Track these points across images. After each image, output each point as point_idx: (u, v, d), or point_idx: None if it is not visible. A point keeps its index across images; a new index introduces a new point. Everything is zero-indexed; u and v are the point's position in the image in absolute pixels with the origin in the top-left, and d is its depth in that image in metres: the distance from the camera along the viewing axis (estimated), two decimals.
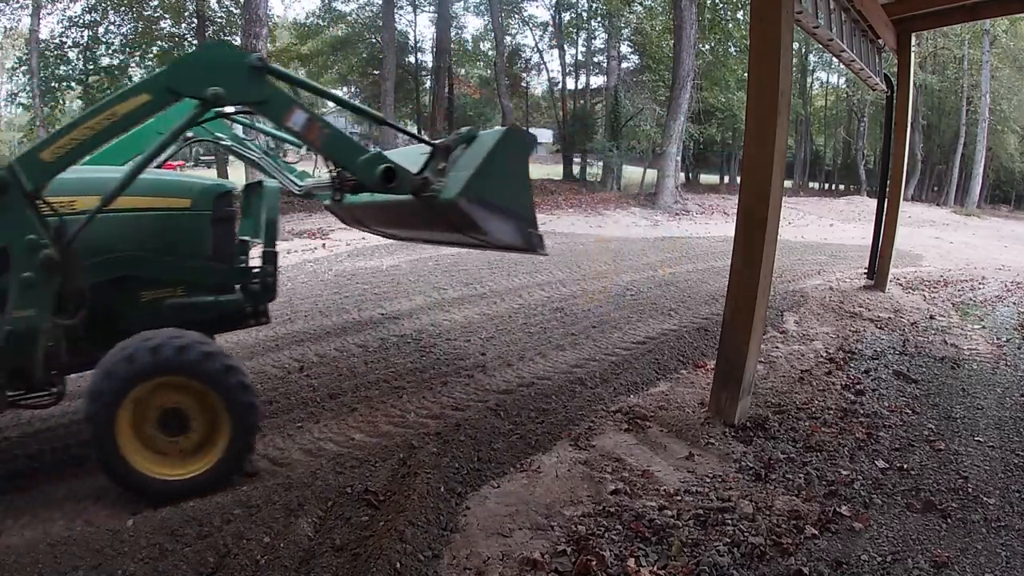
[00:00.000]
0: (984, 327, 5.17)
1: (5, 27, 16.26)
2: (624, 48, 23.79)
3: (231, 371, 2.41)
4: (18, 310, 2.22)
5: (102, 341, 2.44)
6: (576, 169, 24.18)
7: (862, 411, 3.33)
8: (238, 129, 3.73)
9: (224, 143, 3.52)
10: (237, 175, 14.29)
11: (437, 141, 2.78)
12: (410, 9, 22.34)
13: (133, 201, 2.55)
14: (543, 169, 27.34)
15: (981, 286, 7.13)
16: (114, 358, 2.28)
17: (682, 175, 21.37)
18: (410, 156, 2.80)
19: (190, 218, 2.78)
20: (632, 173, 22.66)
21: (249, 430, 2.47)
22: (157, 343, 2.30)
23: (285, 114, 2.47)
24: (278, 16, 27.57)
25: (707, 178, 29.61)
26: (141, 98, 2.27)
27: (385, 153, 2.66)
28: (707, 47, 19.32)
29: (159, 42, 16.47)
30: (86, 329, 2.38)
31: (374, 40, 20.79)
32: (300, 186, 3.26)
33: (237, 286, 2.94)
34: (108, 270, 2.56)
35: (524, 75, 27.14)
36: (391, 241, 8.81)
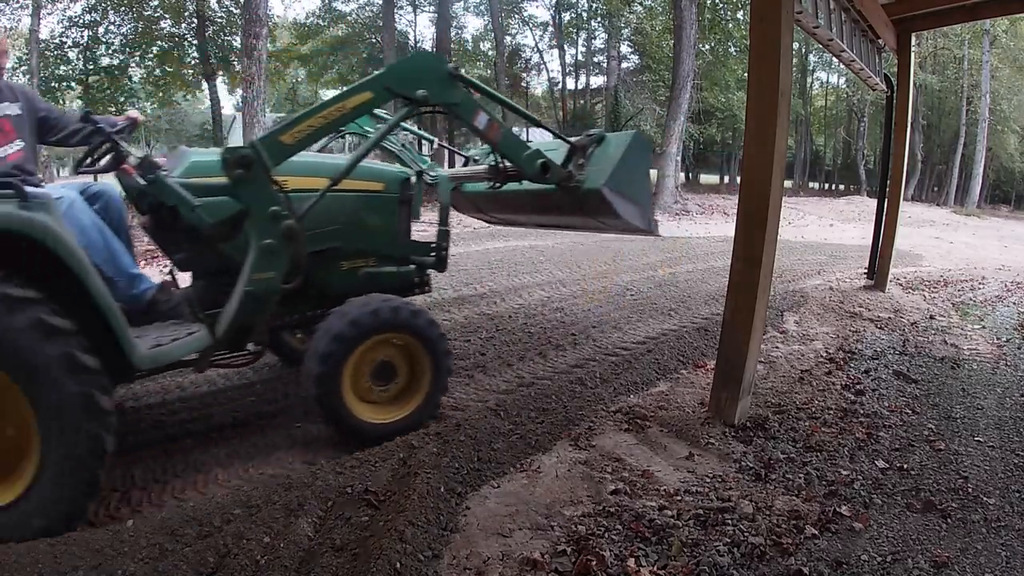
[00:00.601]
0: (984, 327, 5.17)
1: (5, 27, 16.26)
2: (624, 48, 23.84)
3: (432, 325, 2.86)
4: (258, 273, 2.53)
5: (303, 305, 2.90)
6: None
7: (862, 411, 3.33)
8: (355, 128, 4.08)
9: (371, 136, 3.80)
10: None
11: (573, 139, 3.36)
12: (410, 9, 22.35)
13: (341, 183, 2.80)
14: None
15: (981, 286, 7.13)
16: (338, 325, 2.65)
17: (682, 175, 21.38)
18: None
19: (383, 200, 3.19)
20: None
21: (444, 376, 2.93)
22: (375, 307, 2.72)
23: (473, 115, 3.00)
24: (278, 16, 27.58)
25: (707, 178, 29.64)
26: (365, 95, 2.67)
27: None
28: (707, 47, 19.33)
29: (159, 42, 16.47)
30: (294, 294, 2.67)
31: (374, 40, 20.79)
32: (432, 176, 3.60)
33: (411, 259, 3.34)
34: (320, 241, 2.89)
35: (524, 75, 27.15)
36: None
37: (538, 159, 3.10)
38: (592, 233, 5.59)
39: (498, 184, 3.46)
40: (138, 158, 2.60)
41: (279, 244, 2.55)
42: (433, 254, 3.34)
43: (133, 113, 2.92)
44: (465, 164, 4.49)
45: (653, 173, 20.98)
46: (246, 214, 2.54)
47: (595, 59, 25.84)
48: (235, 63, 16.25)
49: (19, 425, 2.04)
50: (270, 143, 2.53)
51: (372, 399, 2.84)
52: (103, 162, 2.72)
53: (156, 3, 15.67)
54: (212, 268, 2.86)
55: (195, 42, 16.42)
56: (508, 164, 3.24)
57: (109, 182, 3.01)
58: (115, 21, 15.79)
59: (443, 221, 3.40)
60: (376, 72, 2.84)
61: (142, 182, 2.59)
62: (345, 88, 2.75)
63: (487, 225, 10.82)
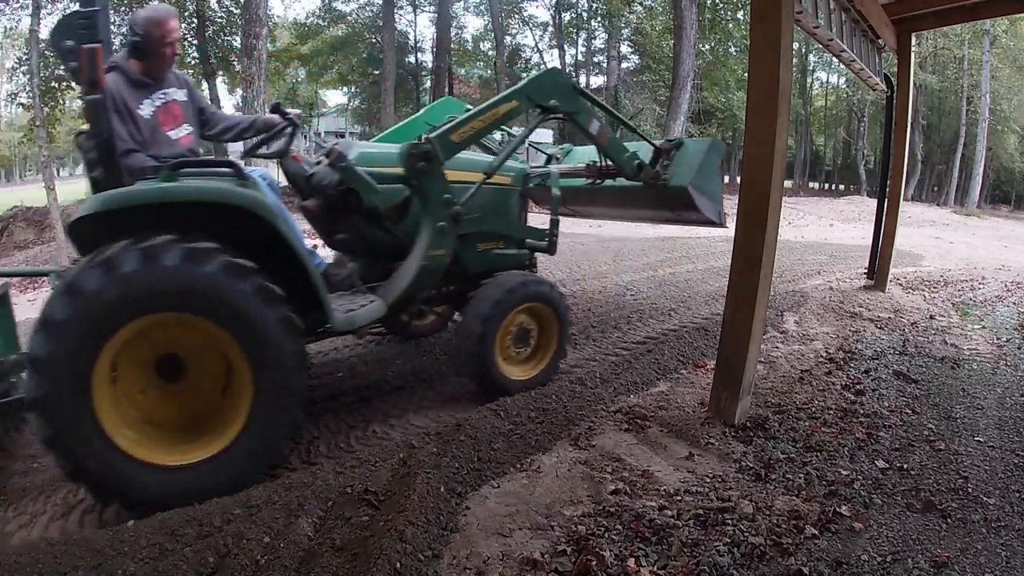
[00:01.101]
0: (984, 327, 5.17)
1: (5, 27, 16.27)
2: (624, 48, 23.83)
3: (561, 296, 3.45)
4: (432, 250, 3.03)
5: (445, 281, 3.35)
6: None
7: (862, 411, 3.33)
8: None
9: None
10: None
11: (658, 143, 3.95)
12: (410, 9, 22.35)
13: (480, 177, 3.28)
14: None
15: (981, 286, 7.13)
16: (496, 293, 3.17)
17: None
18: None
19: (511, 191, 3.67)
20: None
21: (566, 341, 3.58)
22: (524, 280, 3.30)
23: (588, 122, 3.54)
24: (278, 16, 27.59)
25: None
26: (512, 104, 3.25)
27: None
28: (707, 47, 19.33)
29: None
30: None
31: (374, 40, 20.79)
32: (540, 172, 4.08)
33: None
34: (466, 226, 3.26)
35: (524, 75, 27.14)
36: None
37: (635, 160, 3.73)
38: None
39: (599, 180, 4.02)
40: (327, 148, 3.08)
41: (449, 226, 3.08)
42: (546, 239, 3.72)
43: (295, 111, 3.23)
44: (548, 162, 5.07)
45: None
46: (412, 200, 3.08)
47: (595, 59, 25.84)
48: (235, 63, 16.25)
49: (233, 380, 2.39)
50: (443, 140, 3.00)
51: (511, 359, 3.39)
52: (274, 148, 3.07)
53: (156, 3, 15.69)
54: (369, 249, 3.27)
55: (195, 42, 16.41)
56: (609, 164, 3.80)
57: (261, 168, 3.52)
58: (115, 21, 15.78)
59: (555, 211, 3.73)
60: (518, 85, 3.40)
61: (308, 169, 3.12)
62: (496, 98, 3.27)
63: None
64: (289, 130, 3.05)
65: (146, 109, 2.69)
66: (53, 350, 2.06)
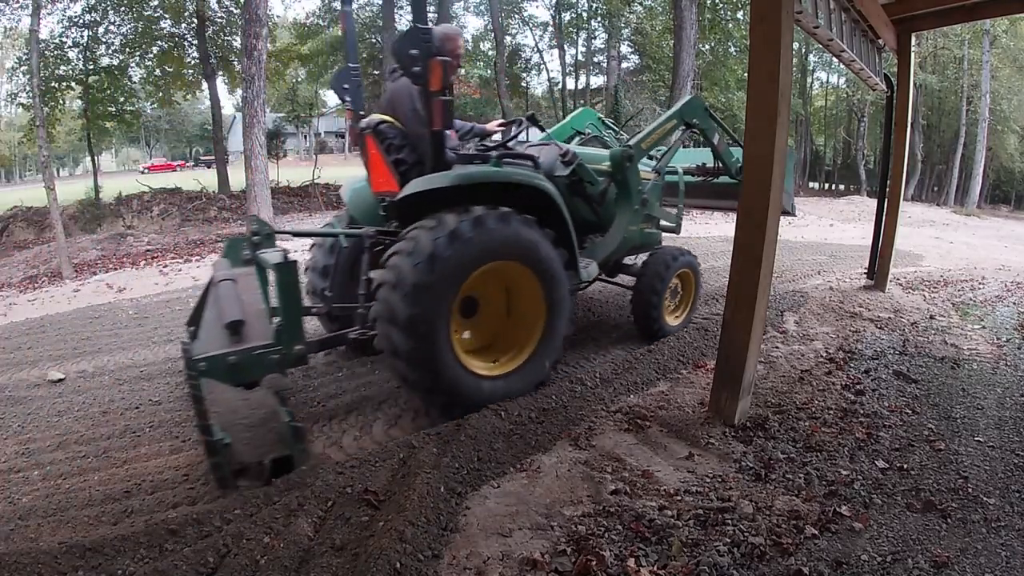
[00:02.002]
0: (984, 327, 5.17)
1: (5, 27, 16.26)
2: (624, 48, 23.81)
3: (699, 264, 4.62)
4: (630, 226, 4.10)
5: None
6: None
7: (862, 411, 3.33)
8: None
9: (603, 137, 5.10)
10: (238, 176, 14.29)
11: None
12: (410, 9, 22.34)
13: (645, 174, 4.25)
14: None
15: (981, 286, 7.12)
16: (667, 260, 4.28)
17: None
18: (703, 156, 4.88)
19: (660, 185, 4.39)
20: None
21: (699, 299, 4.77)
22: (679, 253, 4.39)
23: (713, 134, 4.53)
24: (278, 16, 27.59)
25: None
26: (672, 122, 4.23)
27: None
28: (707, 47, 19.32)
29: (159, 42, 16.45)
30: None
31: (374, 40, 20.77)
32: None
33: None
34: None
35: (524, 75, 27.13)
36: None
37: (739, 163, 4.46)
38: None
39: (712, 178, 4.77)
40: (564, 149, 3.88)
41: (641, 209, 4.14)
42: (675, 223, 4.68)
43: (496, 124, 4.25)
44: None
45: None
46: (610, 189, 4.07)
47: (595, 59, 25.82)
48: (235, 63, 16.24)
49: (534, 314, 3.29)
50: (637, 147, 4.03)
51: (667, 310, 4.47)
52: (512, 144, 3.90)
53: (156, 3, 15.64)
54: (580, 224, 3.83)
55: (195, 42, 16.40)
56: (719, 164, 4.62)
57: None
58: (115, 21, 15.76)
59: (680, 201, 4.65)
60: (675, 109, 4.36)
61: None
62: (661, 119, 4.27)
63: None
64: (521, 129, 4.03)
65: None
66: (422, 308, 2.80)
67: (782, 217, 5.62)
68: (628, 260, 4.65)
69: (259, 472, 2.51)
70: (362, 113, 3.56)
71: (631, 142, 4.05)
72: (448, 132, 3.13)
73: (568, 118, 4.86)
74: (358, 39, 21.64)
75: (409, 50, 2.90)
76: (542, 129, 4.49)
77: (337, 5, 20.71)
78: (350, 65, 3.63)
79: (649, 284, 4.23)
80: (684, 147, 5.51)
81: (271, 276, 2.90)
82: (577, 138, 4.89)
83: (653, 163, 4.60)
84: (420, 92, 3.05)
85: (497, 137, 4.80)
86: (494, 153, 3.36)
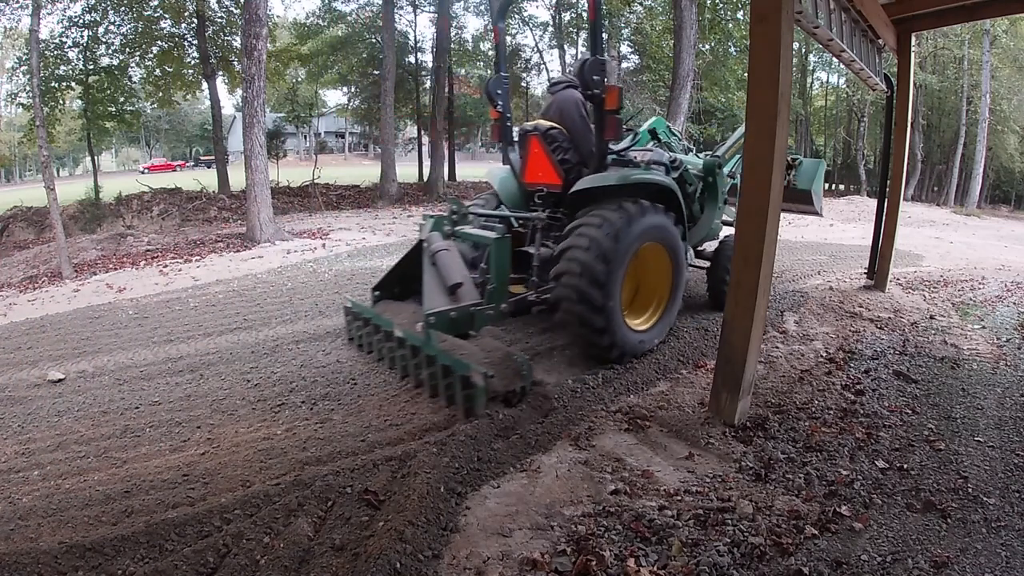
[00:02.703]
0: (984, 327, 5.17)
1: (5, 27, 16.26)
2: (624, 48, 23.79)
3: None
4: (716, 219, 5.00)
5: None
6: None
7: (862, 411, 3.33)
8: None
9: (666, 141, 5.44)
10: (238, 176, 14.29)
11: (793, 157, 5.76)
12: (410, 9, 22.32)
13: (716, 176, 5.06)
14: None
15: (981, 286, 7.12)
16: (732, 247, 4.21)
17: None
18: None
19: (733, 184, 5.18)
20: None
21: None
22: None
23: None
24: (278, 16, 27.59)
25: None
26: (742, 140, 4.23)
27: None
28: (707, 47, 19.30)
29: (159, 42, 16.45)
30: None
31: (374, 40, 20.76)
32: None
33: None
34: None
35: (524, 75, 27.11)
36: (391, 241, 8.82)
37: (791, 171, 5.58)
38: None
39: (785, 183, 5.31)
40: (672, 156, 4.71)
41: (722, 207, 5.03)
42: (733, 218, 5.00)
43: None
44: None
45: None
46: (702, 188, 4.92)
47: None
48: (235, 63, 16.24)
49: (663, 283, 4.17)
50: (722, 157, 5.12)
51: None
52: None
53: (156, 3, 15.64)
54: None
55: (195, 42, 16.39)
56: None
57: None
58: (115, 21, 15.75)
59: (738, 199, 5.76)
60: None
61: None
62: (736, 136, 5.35)
63: None
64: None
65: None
66: (608, 266, 3.58)
67: (796, 216, 6.17)
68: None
69: (509, 398, 3.15)
70: (508, 115, 4.61)
71: (718, 152, 5.22)
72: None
73: (645, 125, 5.41)
74: (358, 39, 21.52)
75: (592, 76, 3.80)
76: (656, 138, 5.24)
77: (338, 5, 20.71)
78: (501, 74, 4.54)
79: (723, 265, 4.92)
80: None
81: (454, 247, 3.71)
82: (652, 143, 5.34)
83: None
84: (595, 109, 3.89)
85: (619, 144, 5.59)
86: (640, 158, 4.44)
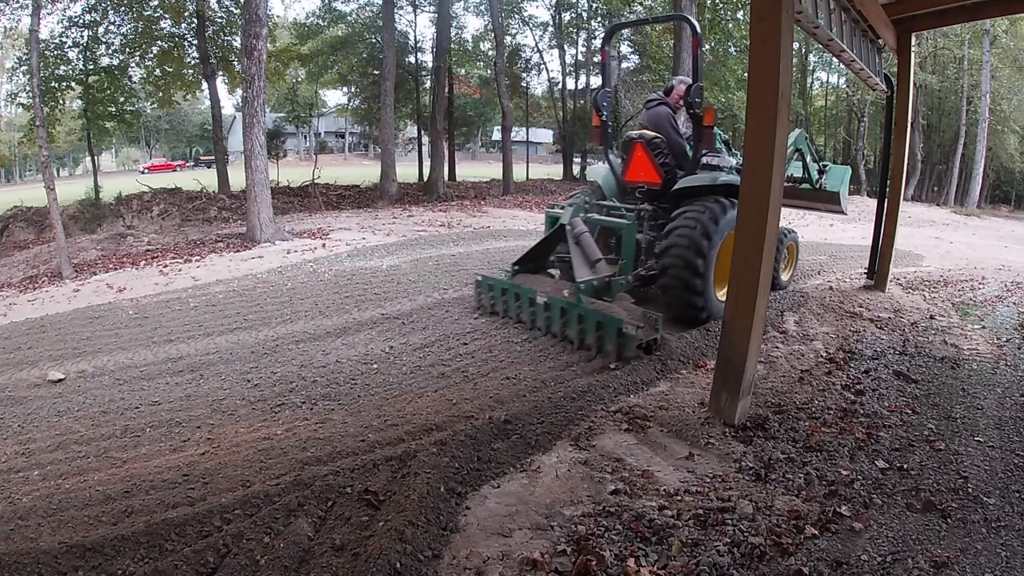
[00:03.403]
0: (984, 327, 5.17)
1: (5, 27, 16.25)
2: (624, 48, 23.78)
3: (799, 239, 6.34)
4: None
5: None
6: (576, 169, 24.18)
7: (862, 411, 3.33)
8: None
9: (799, 148, 6.26)
10: (238, 176, 14.29)
11: (822, 164, 6.62)
12: (410, 9, 22.32)
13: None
14: (543, 169, 27.34)
15: (981, 286, 7.12)
16: (780, 235, 4.88)
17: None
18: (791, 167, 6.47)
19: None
20: None
21: (797, 262, 6.55)
22: (788, 231, 5.88)
23: (806, 156, 6.27)
24: (278, 16, 27.58)
25: None
26: (792, 146, 5.78)
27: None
28: (707, 47, 19.30)
29: (159, 42, 16.44)
30: None
31: (374, 40, 20.76)
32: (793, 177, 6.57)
33: None
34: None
35: (524, 75, 27.11)
36: (391, 241, 8.82)
37: (822, 175, 6.45)
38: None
39: (798, 184, 6.53)
40: (736, 164, 5.25)
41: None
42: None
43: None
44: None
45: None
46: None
47: (595, 59, 25.79)
48: (235, 63, 16.24)
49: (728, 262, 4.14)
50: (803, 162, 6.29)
51: (783, 268, 6.07)
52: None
53: (156, 3, 15.63)
54: None
55: (195, 42, 16.38)
56: (806, 175, 6.41)
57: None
58: (115, 21, 15.74)
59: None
60: (796, 139, 6.02)
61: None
62: (800, 150, 6.15)
63: (487, 225, 10.82)
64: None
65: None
66: (708, 242, 4.48)
67: (798, 216, 8.12)
68: None
69: (649, 346, 4.02)
70: (609, 124, 5.51)
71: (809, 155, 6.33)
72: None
73: (791, 138, 6.14)
74: (358, 39, 21.47)
75: (695, 99, 4.79)
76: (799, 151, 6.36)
77: (338, 5, 20.71)
78: (606, 89, 5.48)
79: (778, 248, 5.72)
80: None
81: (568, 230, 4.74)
82: (796, 155, 6.32)
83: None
84: (695, 124, 4.93)
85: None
86: (724, 163, 5.16)
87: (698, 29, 5.00)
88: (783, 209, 6.35)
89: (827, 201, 6.70)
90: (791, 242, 6.15)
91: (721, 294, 4.77)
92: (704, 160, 5.15)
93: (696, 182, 4.90)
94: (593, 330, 4.04)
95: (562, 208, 5.06)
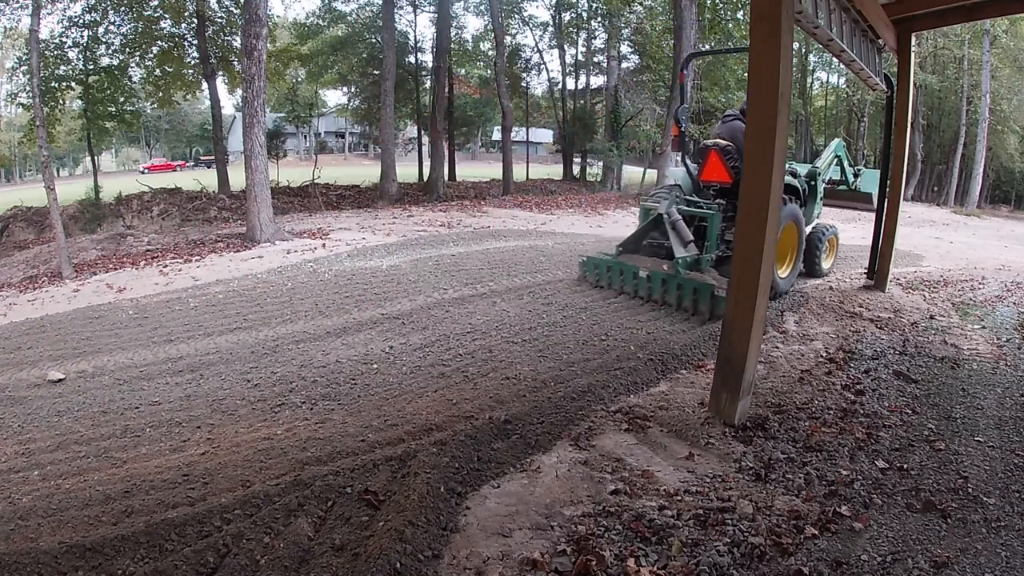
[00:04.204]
0: (984, 327, 5.17)
1: (5, 27, 16.24)
2: (624, 48, 23.76)
3: (839, 232, 7.55)
4: (817, 209, 6.98)
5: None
6: (576, 169, 24.17)
7: (862, 411, 3.33)
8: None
9: (838, 154, 7.32)
10: (238, 176, 14.29)
11: (856, 168, 7.62)
12: (410, 9, 22.31)
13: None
14: (543, 169, 27.32)
15: (981, 286, 7.12)
16: (824, 228, 6.97)
17: None
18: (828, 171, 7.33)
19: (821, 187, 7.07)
20: (632, 173, 22.66)
21: (837, 253, 7.90)
22: (829, 225, 7.18)
23: (844, 162, 7.41)
24: (278, 16, 27.56)
25: None
26: (835, 155, 7.20)
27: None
28: (707, 47, 19.30)
29: (159, 42, 16.43)
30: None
31: (374, 40, 20.75)
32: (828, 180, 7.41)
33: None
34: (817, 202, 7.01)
35: (524, 75, 27.08)
36: (391, 241, 8.81)
37: (857, 178, 7.42)
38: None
39: (838, 187, 7.49)
40: (807, 168, 6.81)
41: (821, 201, 7.06)
42: (820, 210, 7.19)
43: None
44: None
45: (639, 172, 21.25)
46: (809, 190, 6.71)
47: (595, 59, 25.77)
48: (235, 63, 16.23)
49: (793, 246, 6.11)
50: (820, 168, 6.88)
51: (823, 258, 7.06)
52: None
53: (156, 3, 15.62)
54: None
55: (195, 42, 16.37)
56: (844, 178, 7.40)
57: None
58: (115, 21, 15.73)
59: (825, 199, 7.38)
60: (834, 150, 7.26)
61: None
62: (828, 158, 7.09)
63: (487, 226, 10.82)
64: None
65: None
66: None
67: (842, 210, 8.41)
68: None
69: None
70: (686, 131, 6.47)
71: (817, 164, 6.97)
72: None
73: (831, 147, 7.37)
74: (358, 39, 21.45)
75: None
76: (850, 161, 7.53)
77: (338, 5, 20.70)
78: (684, 105, 6.65)
79: (818, 240, 6.78)
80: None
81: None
82: (834, 161, 7.26)
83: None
84: None
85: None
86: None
87: None
88: (824, 208, 7.39)
89: (862, 201, 7.59)
90: (832, 235, 7.11)
91: (781, 271, 5.99)
92: None
93: None
94: (690, 295, 5.19)
95: (656, 202, 6.17)
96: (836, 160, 7.18)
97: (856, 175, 7.48)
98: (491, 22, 19.29)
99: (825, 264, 7.10)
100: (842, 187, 7.46)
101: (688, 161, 6.54)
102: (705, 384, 3.60)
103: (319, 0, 20.98)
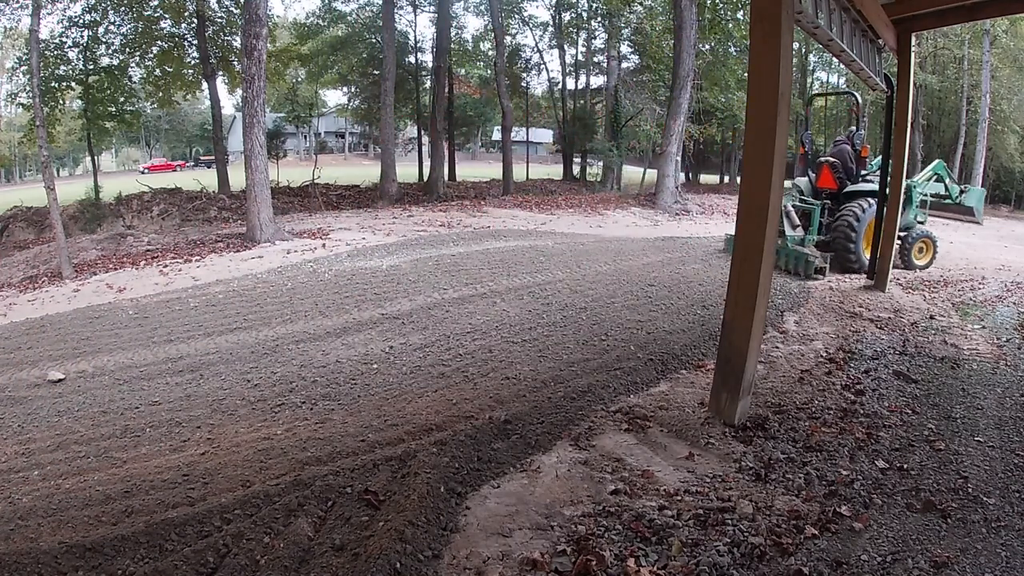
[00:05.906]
0: (984, 327, 5.17)
1: (5, 27, 16.24)
2: (624, 48, 23.75)
3: (935, 235, 8.49)
4: (915, 216, 8.14)
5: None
6: (576, 169, 24.16)
7: (862, 411, 3.33)
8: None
9: (938, 172, 8.81)
10: (238, 176, 14.30)
11: (963, 186, 9.66)
12: (410, 9, 22.31)
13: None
14: (543, 169, 27.31)
15: (981, 286, 7.13)
16: (916, 232, 8.14)
17: (682, 175, 21.32)
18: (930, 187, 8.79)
19: (924, 201, 8.48)
20: (632, 173, 22.65)
21: (936, 253, 8.64)
22: (927, 231, 8.32)
23: (944, 178, 8.99)
24: (278, 16, 27.53)
25: (707, 178, 29.53)
26: (932, 174, 8.83)
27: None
28: (707, 47, 19.29)
29: (159, 42, 16.43)
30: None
31: (374, 40, 20.75)
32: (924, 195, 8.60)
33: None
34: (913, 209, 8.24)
35: (524, 75, 27.07)
36: (391, 241, 8.81)
37: (962, 195, 8.89)
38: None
39: (946, 199, 8.82)
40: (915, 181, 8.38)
41: (917, 209, 8.19)
42: (924, 219, 8.49)
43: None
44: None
45: (639, 172, 21.25)
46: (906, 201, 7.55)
47: (595, 59, 25.76)
48: (235, 63, 16.23)
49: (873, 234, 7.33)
50: (919, 183, 8.31)
51: (919, 257, 8.24)
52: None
53: (156, 3, 15.61)
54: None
55: (195, 42, 16.37)
56: (946, 192, 8.74)
57: None
58: (115, 21, 15.72)
59: (925, 207, 8.54)
60: (934, 170, 8.81)
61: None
62: (928, 175, 8.67)
63: (487, 226, 10.81)
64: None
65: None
66: (859, 223, 7.56)
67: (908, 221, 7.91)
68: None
69: (822, 270, 7.16)
70: (809, 151, 8.88)
71: (915, 180, 8.16)
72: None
73: (931, 167, 8.81)
74: (358, 39, 21.43)
75: (856, 141, 8.19)
76: (948, 177, 9.03)
77: (338, 5, 20.69)
78: (808, 132, 9.20)
79: (910, 241, 7.90)
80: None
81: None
82: (934, 178, 8.70)
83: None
84: (857, 156, 8.09)
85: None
86: (872, 179, 7.80)
87: (859, 100, 8.94)
88: (928, 216, 8.35)
89: (965, 213, 9.20)
90: (925, 236, 8.11)
91: (866, 252, 7.42)
92: (863, 175, 8.15)
93: (854, 188, 7.96)
94: (794, 261, 7.22)
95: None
96: (935, 177, 8.66)
97: (961, 191, 9.01)
98: (491, 22, 19.28)
99: (920, 261, 8.19)
100: (947, 200, 8.81)
101: (810, 172, 8.70)
102: (705, 384, 3.60)
103: (319, 0, 20.98)
